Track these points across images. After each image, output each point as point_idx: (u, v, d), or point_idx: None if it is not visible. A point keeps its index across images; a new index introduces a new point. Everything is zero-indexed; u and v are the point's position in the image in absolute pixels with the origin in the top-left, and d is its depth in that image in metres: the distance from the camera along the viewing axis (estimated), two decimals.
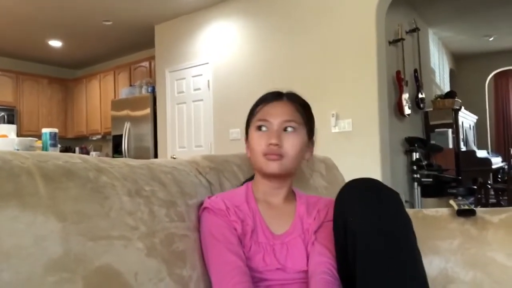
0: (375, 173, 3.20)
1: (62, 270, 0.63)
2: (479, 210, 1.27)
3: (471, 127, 6.09)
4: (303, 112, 0.99)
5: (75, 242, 0.66)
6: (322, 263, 0.86)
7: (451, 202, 1.34)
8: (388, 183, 3.12)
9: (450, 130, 4.89)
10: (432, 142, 4.73)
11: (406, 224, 0.79)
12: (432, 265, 1.23)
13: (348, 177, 1.60)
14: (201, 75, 4.51)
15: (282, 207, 0.97)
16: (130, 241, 0.75)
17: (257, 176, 0.99)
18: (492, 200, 4.78)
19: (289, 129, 0.94)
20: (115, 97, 5.82)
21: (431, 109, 5.10)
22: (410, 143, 4.14)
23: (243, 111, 1.06)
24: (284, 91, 1.03)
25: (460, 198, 1.36)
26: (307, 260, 0.89)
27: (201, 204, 0.95)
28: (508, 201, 4.68)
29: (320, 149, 1.32)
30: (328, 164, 1.51)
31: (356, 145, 3.33)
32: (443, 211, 1.32)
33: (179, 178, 0.97)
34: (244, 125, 1.04)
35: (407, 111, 4.10)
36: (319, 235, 0.91)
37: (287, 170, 0.94)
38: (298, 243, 0.91)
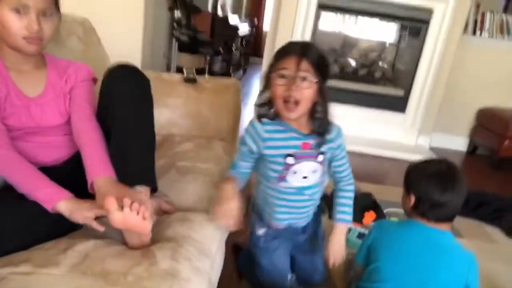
0: (138, 28, 3.31)
1: None
2: (200, 78, 1.76)
3: None
4: None
5: None
6: (84, 114, 1.09)
7: (184, 70, 1.78)
8: (149, 38, 3.39)
9: None
10: (195, 5, 5.08)
11: (149, 100, 1.13)
12: (163, 115, 1.69)
13: (108, 38, 1.80)
14: None
15: (34, 73, 1.08)
16: None
17: (4, 47, 1.02)
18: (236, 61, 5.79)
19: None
20: None
21: None
22: (173, 0, 4.38)
23: None
24: None
25: (191, 69, 1.80)
26: (65, 116, 1.09)
27: None
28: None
29: (72, 8, 1.44)
30: (86, 27, 1.64)
31: None
32: (177, 77, 1.76)
33: None
34: None
35: None
36: (76, 94, 1.12)
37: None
38: (52, 103, 1.09)
